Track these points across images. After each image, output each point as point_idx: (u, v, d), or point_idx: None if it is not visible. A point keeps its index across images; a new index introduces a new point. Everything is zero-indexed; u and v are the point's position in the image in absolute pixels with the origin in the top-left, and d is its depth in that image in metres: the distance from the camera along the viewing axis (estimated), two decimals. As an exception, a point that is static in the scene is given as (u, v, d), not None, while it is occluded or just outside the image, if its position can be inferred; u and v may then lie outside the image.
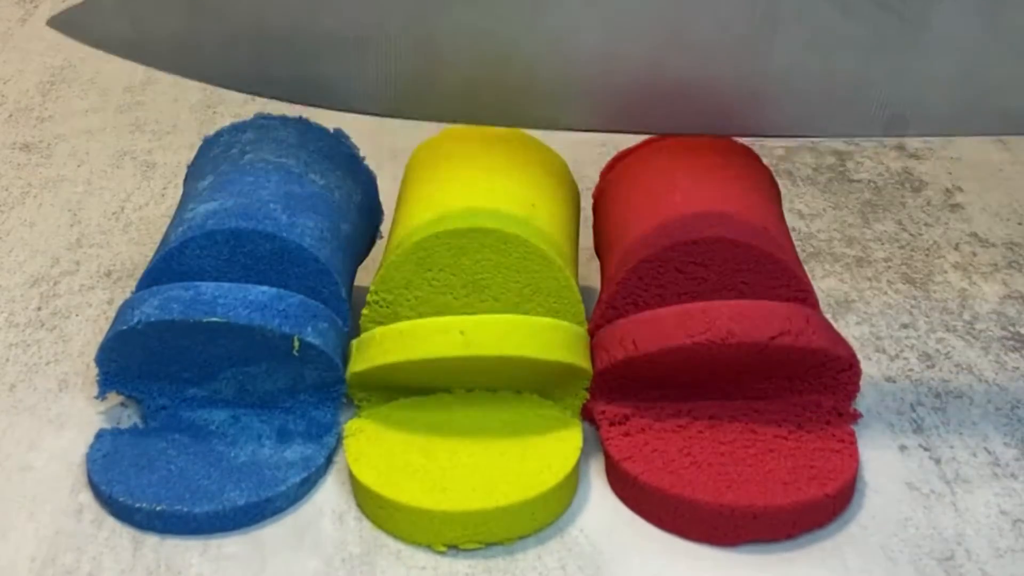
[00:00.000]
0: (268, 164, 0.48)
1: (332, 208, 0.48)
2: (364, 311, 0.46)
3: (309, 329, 0.43)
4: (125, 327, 0.43)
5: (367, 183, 0.52)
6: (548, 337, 0.43)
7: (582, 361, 0.44)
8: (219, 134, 0.52)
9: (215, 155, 0.50)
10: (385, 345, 0.43)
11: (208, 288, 0.44)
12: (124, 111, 0.69)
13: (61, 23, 0.45)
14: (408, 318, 0.45)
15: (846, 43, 0.44)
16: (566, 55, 0.44)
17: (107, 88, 0.72)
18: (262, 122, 0.51)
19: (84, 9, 0.45)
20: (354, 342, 0.45)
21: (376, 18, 0.44)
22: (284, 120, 0.51)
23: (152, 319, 0.43)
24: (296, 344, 0.43)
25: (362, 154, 0.52)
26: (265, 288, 0.44)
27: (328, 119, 0.50)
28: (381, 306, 0.45)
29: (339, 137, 0.51)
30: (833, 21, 0.43)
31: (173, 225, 0.47)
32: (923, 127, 0.45)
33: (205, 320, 0.43)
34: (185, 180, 0.51)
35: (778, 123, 0.46)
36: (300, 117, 0.52)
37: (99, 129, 0.67)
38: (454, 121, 0.47)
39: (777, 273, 0.44)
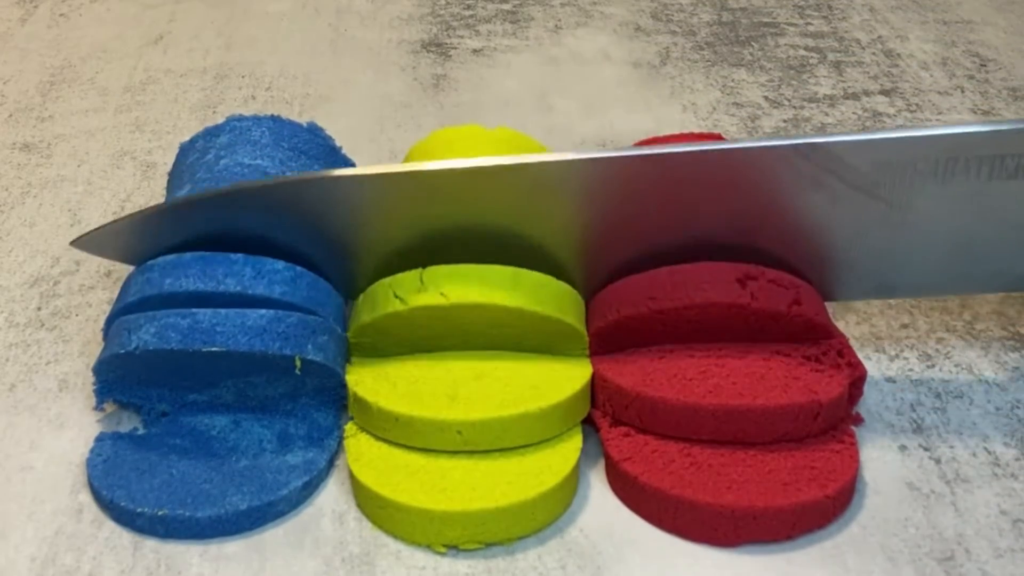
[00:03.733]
0: (243, 168, 0.48)
1: None
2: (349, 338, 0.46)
3: (309, 347, 0.43)
4: (122, 351, 0.43)
5: None
6: (545, 425, 0.43)
7: (582, 414, 0.44)
8: (194, 140, 0.51)
9: (191, 162, 0.50)
10: (383, 424, 0.43)
11: (205, 316, 0.43)
12: (124, 111, 0.69)
13: (84, 243, 0.48)
14: (393, 353, 0.45)
15: (837, 228, 0.45)
16: (564, 251, 0.46)
17: (107, 88, 0.72)
18: (235, 124, 0.51)
19: (103, 232, 0.47)
20: (350, 395, 0.44)
21: (380, 235, 0.46)
22: (257, 120, 0.51)
23: (150, 347, 0.42)
24: (298, 363, 0.43)
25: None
26: (263, 311, 0.43)
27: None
28: (362, 346, 0.45)
29: (314, 131, 0.51)
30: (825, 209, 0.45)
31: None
32: (910, 292, 0.48)
33: (204, 350, 0.42)
34: (167, 187, 0.51)
35: None
36: (273, 116, 0.52)
37: (99, 129, 0.67)
38: None
39: (787, 324, 0.45)
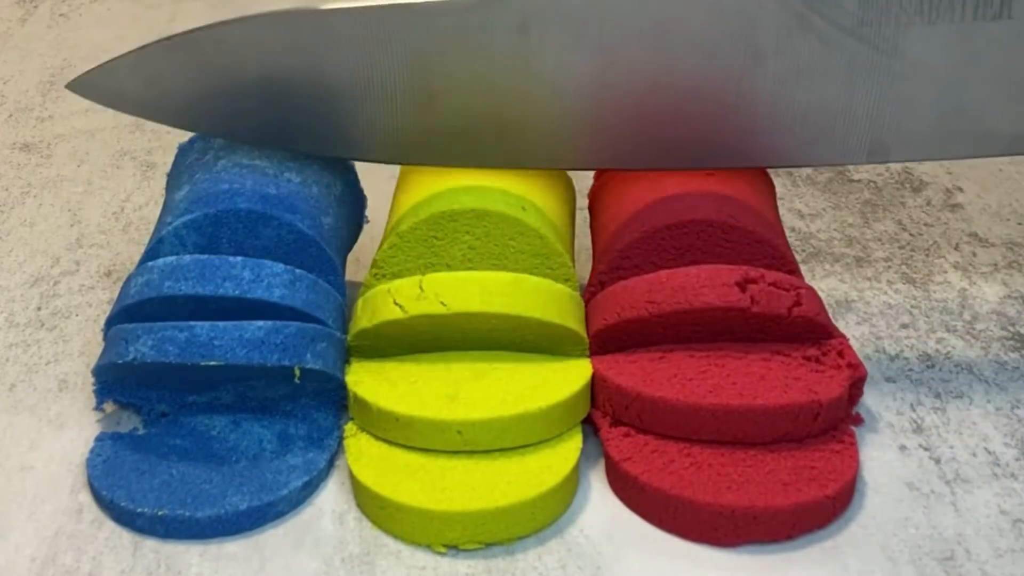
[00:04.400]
0: (242, 168, 0.47)
1: (311, 204, 0.47)
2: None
3: (308, 355, 0.43)
4: (120, 361, 0.43)
5: (346, 172, 0.51)
6: (545, 425, 0.43)
7: (583, 414, 0.44)
8: (192, 140, 0.51)
9: (190, 163, 0.50)
10: (383, 424, 0.43)
11: (203, 329, 0.42)
12: (124, 111, 0.69)
13: (80, 85, 0.47)
14: (393, 354, 0.45)
15: (826, 74, 0.45)
16: (558, 97, 0.46)
17: (107, 88, 0.72)
18: None
19: (101, 72, 0.47)
20: (350, 395, 0.44)
21: (378, 70, 0.45)
22: None
23: (148, 359, 0.42)
24: (297, 373, 0.43)
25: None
26: (261, 323, 0.43)
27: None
28: (361, 348, 0.45)
29: None
30: (813, 53, 0.45)
31: (150, 247, 0.46)
32: (905, 153, 0.47)
33: (203, 364, 0.42)
34: (166, 188, 0.51)
35: (764, 154, 0.47)
36: None
37: (99, 129, 0.67)
38: (455, 165, 0.48)
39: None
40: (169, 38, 0.46)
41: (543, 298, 0.44)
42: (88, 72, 0.47)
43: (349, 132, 0.47)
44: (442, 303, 0.43)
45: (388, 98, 0.46)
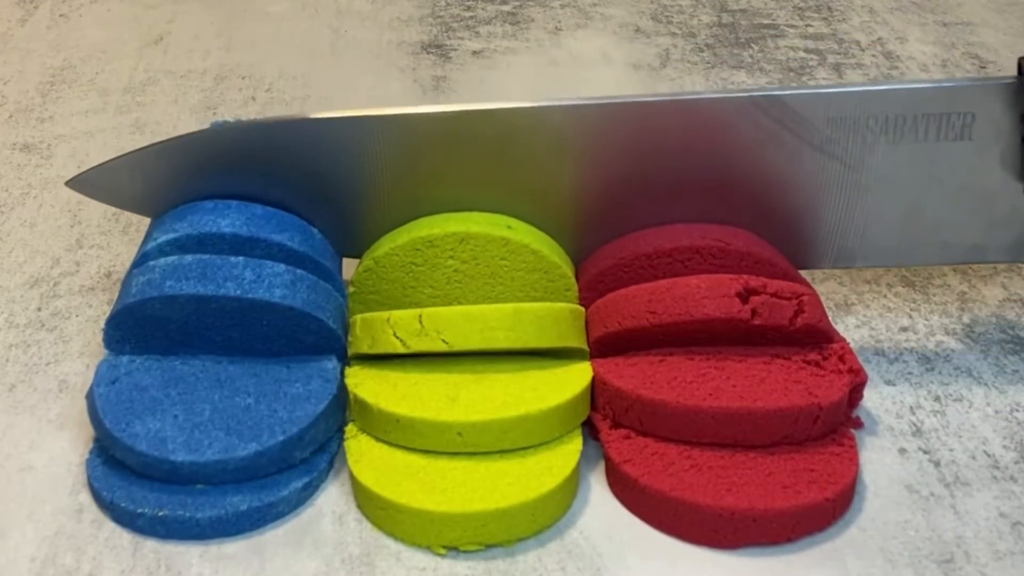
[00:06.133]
0: None
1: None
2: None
3: (296, 453, 0.42)
4: (111, 453, 0.42)
5: None
6: (545, 427, 0.42)
7: (583, 416, 0.44)
8: None
9: None
10: (383, 425, 0.43)
11: (184, 463, 0.41)
12: (124, 111, 0.69)
13: (79, 183, 0.49)
14: (395, 358, 0.45)
15: (795, 186, 0.48)
16: (539, 205, 0.48)
17: (107, 88, 0.72)
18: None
19: (99, 171, 0.48)
20: (351, 397, 0.44)
21: (366, 176, 0.47)
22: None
23: (136, 470, 0.42)
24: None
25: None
26: (242, 455, 0.41)
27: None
28: (361, 359, 0.45)
29: None
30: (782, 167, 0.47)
31: (136, 260, 0.46)
32: (869, 259, 0.50)
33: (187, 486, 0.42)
34: None
35: None
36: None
37: (99, 129, 0.67)
38: None
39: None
40: (165, 141, 0.47)
41: (544, 324, 0.44)
42: (87, 171, 0.48)
43: (338, 233, 0.49)
44: (444, 341, 0.43)
45: (375, 201, 0.48)
